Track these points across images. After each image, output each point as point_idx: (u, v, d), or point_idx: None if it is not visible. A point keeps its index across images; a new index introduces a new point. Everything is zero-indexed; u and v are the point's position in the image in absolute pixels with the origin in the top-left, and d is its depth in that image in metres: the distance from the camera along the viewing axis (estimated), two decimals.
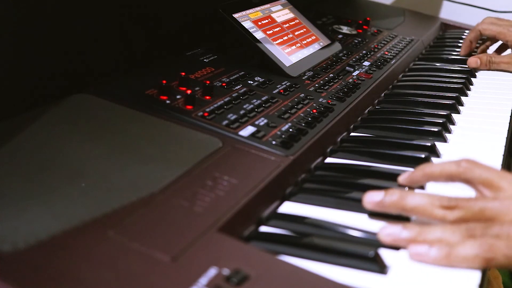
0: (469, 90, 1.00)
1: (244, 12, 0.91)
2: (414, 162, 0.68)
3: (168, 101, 0.68)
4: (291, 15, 1.03)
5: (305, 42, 0.98)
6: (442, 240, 0.48)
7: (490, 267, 0.47)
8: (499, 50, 1.17)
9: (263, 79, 0.82)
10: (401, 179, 0.58)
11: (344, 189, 0.61)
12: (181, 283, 0.41)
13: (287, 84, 0.82)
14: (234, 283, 0.41)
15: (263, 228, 0.55)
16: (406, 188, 0.59)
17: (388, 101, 0.92)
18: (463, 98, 0.93)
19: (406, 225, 0.50)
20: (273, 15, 0.98)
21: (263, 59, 0.86)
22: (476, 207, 0.50)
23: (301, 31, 1.01)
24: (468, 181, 0.54)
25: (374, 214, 0.56)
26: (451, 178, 0.55)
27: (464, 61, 1.11)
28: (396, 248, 0.50)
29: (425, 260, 0.47)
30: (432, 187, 0.61)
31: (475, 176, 0.53)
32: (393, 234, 0.49)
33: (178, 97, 0.70)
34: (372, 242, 0.50)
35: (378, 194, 0.53)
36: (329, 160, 0.71)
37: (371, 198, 0.54)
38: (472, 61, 1.09)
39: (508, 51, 1.15)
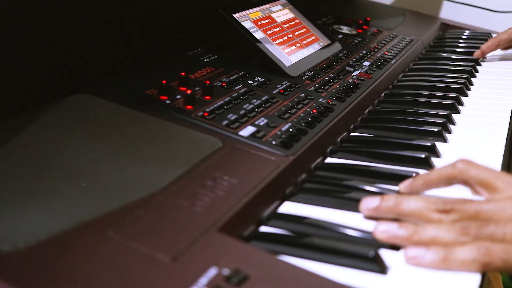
0: (469, 90, 1.00)
1: (244, 12, 0.91)
2: (414, 162, 0.68)
3: (168, 101, 0.68)
4: (291, 15, 1.03)
5: (305, 42, 0.98)
6: (437, 239, 0.48)
7: (487, 271, 0.47)
8: None
9: (263, 79, 0.81)
10: (402, 188, 0.58)
11: (344, 189, 0.61)
12: (181, 283, 0.41)
13: (287, 84, 0.82)
14: (234, 283, 0.41)
15: (263, 228, 0.55)
16: None
17: (388, 101, 0.92)
18: (463, 98, 0.93)
19: (401, 223, 0.50)
20: (273, 15, 0.98)
21: (263, 59, 0.86)
22: (471, 209, 0.50)
23: (301, 31, 1.01)
24: (465, 182, 0.54)
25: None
26: (449, 181, 0.55)
27: (464, 61, 1.11)
28: (396, 248, 0.50)
29: (422, 264, 0.47)
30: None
31: (472, 177, 0.54)
32: (389, 231, 0.50)
33: (178, 97, 0.70)
34: (372, 242, 0.50)
35: (374, 200, 0.54)
36: (329, 160, 0.71)
37: (368, 205, 0.54)
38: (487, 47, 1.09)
39: None
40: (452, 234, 0.48)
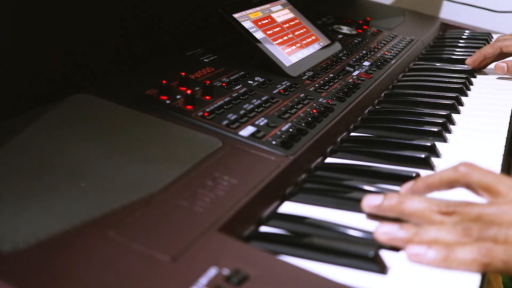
0: (469, 90, 1.00)
1: (244, 12, 0.91)
2: (414, 162, 0.68)
3: (168, 101, 0.68)
4: (291, 15, 1.03)
5: (305, 42, 0.98)
6: (438, 240, 0.48)
7: (487, 271, 0.47)
8: None
9: (263, 79, 0.81)
10: (403, 190, 0.58)
11: (344, 189, 0.61)
12: (181, 283, 0.41)
13: (287, 84, 0.82)
14: (234, 283, 0.41)
15: (263, 228, 0.55)
16: None
17: (388, 101, 0.92)
18: (463, 98, 0.93)
19: (403, 224, 0.50)
20: (273, 15, 0.98)
21: (263, 59, 0.86)
22: (473, 212, 0.50)
23: (301, 31, 1.01)
24: (467, 186, 0.54)
25: (374, 215, 0.56)
26: (451, 184, 0.55)
27: (464, 61, 1.11)
28: (396, 248, 0.50)
29: (423, 261, 0.47)
30: None
31: (474, 181, 0.53)
32: (390, 233, 0.50)
33: (178, 97, 0.70)
34: (372, 242, 0.50)
35: (377, 198, 0.54)
36: (329, 160, 0.71)
37: (370, 202, 0.54)
38: (499, 67, 1.04)
39: None
40: (453, 235, 0.48)
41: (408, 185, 0.58)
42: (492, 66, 1.11)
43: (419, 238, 0.49)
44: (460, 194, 0.55)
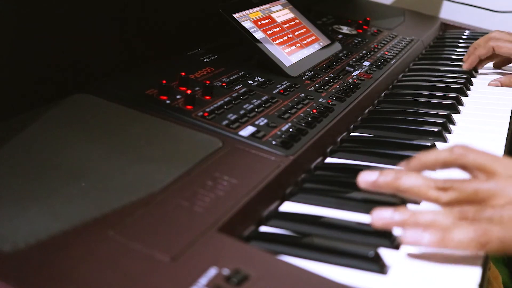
0: (469, 90, 1.00)
1: (244, 12, 0.91)
2: None
3: (168, 101, 0.68)
4: (291, 15, 1.03)
5: (305, 42, 0.98)
6: (434, 223, 0.48)
7: (485, 251, 0.47)
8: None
9: (263, 79, 0.81)
10: (398, 168, 0.58)
11: (344, 189, 0.61)
12: (181, 283, 0.41)
13: (287, 84, 0.82)
14: (234, 283, 0.41)
15: (263, 228, 0.55)
16: None
17: (388, 101, 0.92)
18: (463, 98, 0.93)
19: (398, 208, 0.50)
20: (273, 15, 0.98)
21: (263, 59, 0.86)
22: (470, 188, 0.50)
23: (301, 31, 1.01)
24: (463, 167, 0.54)
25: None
26: (445, 165, 0.55)
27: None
28: (396, 248, 0.50)
29: (419, 243, 0.47)
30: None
31: (470, 161, 0.54)
32: (385, 217, 0.49)
33: (178, 97, 0.70)
34: (372, 242, 0.50)
35: (373, 174, 0.53)
36: (329, 160, 0.71)
37: (366, 178, 0.53)
38: (493, 85, 1.03)
39: None
40: (450, 218, 0.48)
41: (403, 163, 0.58)
42: (491, 66, 1.11)
43: (414, 220, 0.48)
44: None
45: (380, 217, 0.49)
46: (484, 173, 0.53)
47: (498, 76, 1.06)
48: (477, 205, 0.49)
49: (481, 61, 1.08)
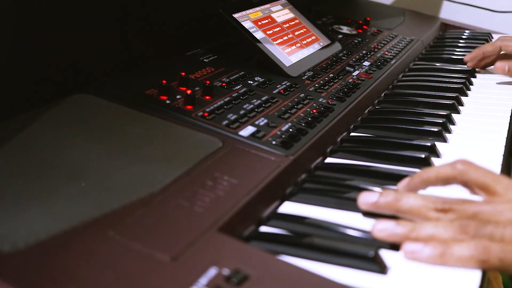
0: (469, 90, 1.00)
1: (244, 12, 0.91)
2: (414, 162, 0.68)
3: (168, 101, 0.68)
4: (291, 15, 1.03)
5: (305, 42, 0.98)
6: (435, 236, 0.48)
7: (484, 269, 0.47)
8: None
9: (263, 79, 0.81)
10: (400, 186, 0.58)
11: (344, 189, 0.61)
12: (181, 283, 0.41)
13: (287, 84, 0.82)
14: (234, 283, 0.41)
15: (263, 228, 0.55)
16: None
17: (388, 101, 0.92)
18: (463, 98, 0.93)
19: (399, 221, 0.50)
20: (273, 15, 0.98)
21: (263, 59, 0.86)
22: (470, 210, 0.50)
23: (301, 31, 1.01)
24: (464, 184, 0.54)
25: (373, 214, 0.56)
26: (447, 181, 0.55)
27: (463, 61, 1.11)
28: (396, 248, 0.50)
29: (419, 258, 0.47)
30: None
31: (471, 179, 0.53)
32: (387, 229, 0.50)
33: (178, 97, 0.70)
34: (372, 242, 0.50)
35: (373, 195, 0.54)
36: (329, 160, 0.71)
37: (366, 199, 0.54)
38: (499, 67, 1.01)
39: None
40: (450, 232, 0.48)
41: (405, 181, 0.58)
42: (491, 66, 1.11)
43: (416, 234, 0.49)
44: (456, 191, 0.55)
45: (382, 228, 0.50)
46: (485, 192, 0.53)
47: (498, 77, 1.06)
48: (478, 221, 0.49)
49: (485, 60, 1.07)
